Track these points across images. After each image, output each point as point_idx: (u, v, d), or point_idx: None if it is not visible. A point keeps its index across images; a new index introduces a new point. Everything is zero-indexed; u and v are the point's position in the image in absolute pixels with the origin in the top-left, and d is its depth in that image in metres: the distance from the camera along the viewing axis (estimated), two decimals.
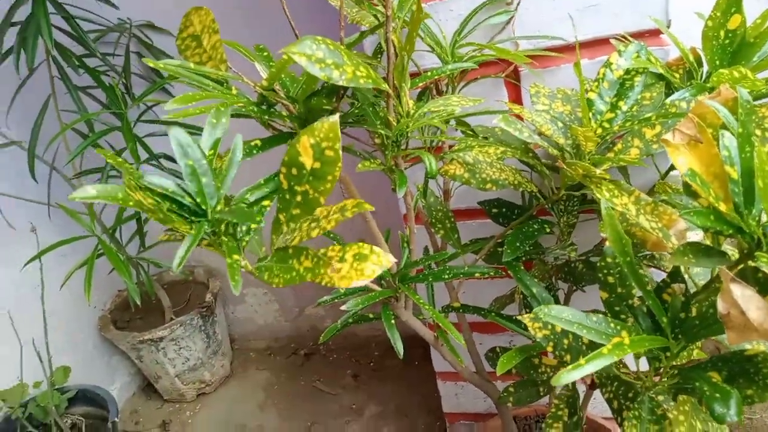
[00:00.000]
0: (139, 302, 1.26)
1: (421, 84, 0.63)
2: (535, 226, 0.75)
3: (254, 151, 0.55)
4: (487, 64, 0.86)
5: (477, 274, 0.72)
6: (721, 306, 0.45)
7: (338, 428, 1.51)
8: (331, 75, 0.49)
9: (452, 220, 0.80)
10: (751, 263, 0.49)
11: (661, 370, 0.57)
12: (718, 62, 0.69)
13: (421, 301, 0.67)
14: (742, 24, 0.67)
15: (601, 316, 0.54)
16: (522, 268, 0.74)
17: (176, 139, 0.44)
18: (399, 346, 0.70)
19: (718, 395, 0.49)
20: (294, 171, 0.49)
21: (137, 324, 1.60)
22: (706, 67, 0.72)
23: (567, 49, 0.83)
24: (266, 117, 0.57)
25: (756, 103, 0.71)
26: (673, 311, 0.55)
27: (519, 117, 0.78)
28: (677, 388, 0.60)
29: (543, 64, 0.84)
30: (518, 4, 0.81)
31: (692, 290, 0.57)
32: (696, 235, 0.60)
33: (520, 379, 0.77)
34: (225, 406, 1.66)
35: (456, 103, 0.62)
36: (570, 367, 0.46)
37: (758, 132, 0.57)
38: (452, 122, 0.81)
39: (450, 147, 0.81)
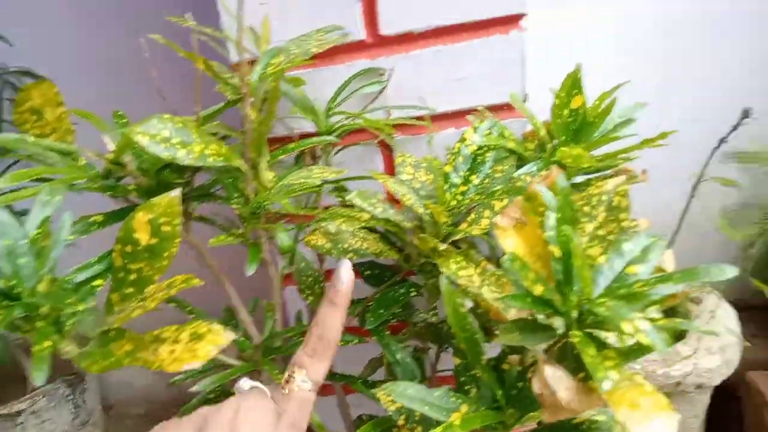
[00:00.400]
0: None
1: (283, 156, 0.63)
2: (401, 291, 0.77)
3: (92, 228, 0.53)
4: (362, 130, 0.88)
5: (342, 344, 0.72)
6: (535, 386, 0.47)
7: None
8: (176, 155, 0.49)
9: (322, 285, 0.80)
10: (570, 340, 0.52)
11: None
12: (564, 138, 0.75)
13: (277, 374, 0.66)
14: (583, 104, 0.74)
15: (443, 390, 0.55)
16: (387, 333, 0.75)
17: None
18: None
19: None
20: (128, 248, 0.47)
21: None
22: (557, 141, 0.78)
23: (437, 118, 0.87)
24: (113, 192, 0.55)
25: (593, 176, 0.78)
26: (509, 381, 0.57)
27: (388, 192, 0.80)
28: None
29: (414, 132, 0.88)
30: (390, 77, 0.84)
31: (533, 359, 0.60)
32: None
33: None
34: None
35: (317, 175, 0.63)
36: None
37: (587, 209, 0.61)
38: (328, 187, 0.82)
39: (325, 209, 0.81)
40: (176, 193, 0.47)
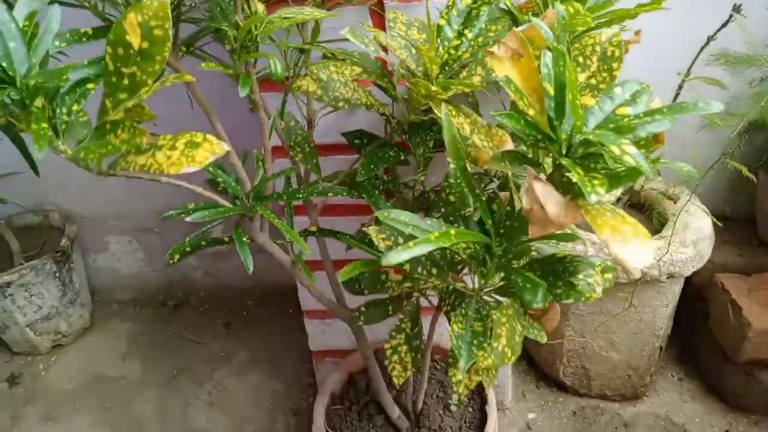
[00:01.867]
0: None
1: None
2: (391, 153, 0.78)
3: (83, 38, 0.52)
4: None
5: (332, 194, 0.73)
6: (524, 201, 0.49)
7: (206, 375, 1.48)
8: None
9: (311, 144, 0.80)
10: (559, 171, 0.54)
11: (487, 273, 0.62)
12: (559, 2, 0.75)
13: (272, 216, 0.67)
14: None
15: (435, 220, 0.57)
16: (377, 193, 0.77)
17: None
18: (249, 264, 0.69)
19: (528, 286, 0.54)
20: (120, 51, 0.46)
21: None
22: (550, 8, 0.77)
23: None
24: (97, 5, 0.53)
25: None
26: (498, 218, 0.59)
27: (381, 45, 0.79)
28: (502, 293, 0.66)
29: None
30: None
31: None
32: None
33: (369, 301, 0.80)
34: (83, 357, 1.57)
35: (308, 12, 0.62)
36: (399, 248, 0.48)
37: (580, 59, 0.62)
38: (316, 51, 0.81)
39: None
40: None
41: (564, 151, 0.52)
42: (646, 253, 0.49)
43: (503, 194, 0.60)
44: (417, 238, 0.48)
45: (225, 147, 0.48)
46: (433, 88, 0.61)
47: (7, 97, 0.41)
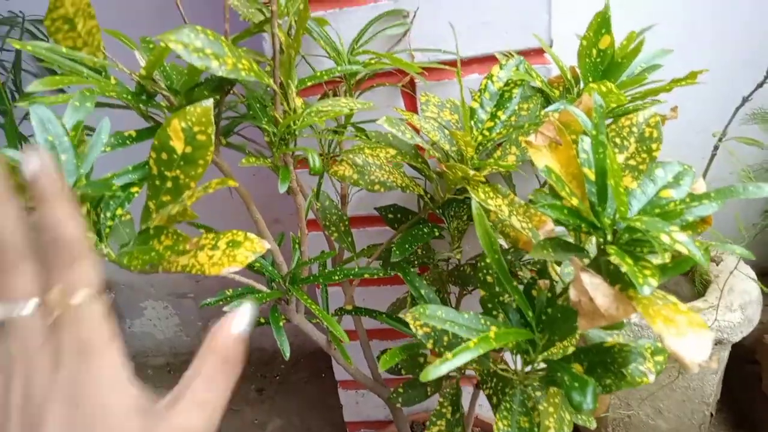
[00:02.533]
0: None
1: (310, 83, 0.63)
2: (425, 230, 0.77)
3: (128, 141, 0.54)
4: (385, 74, 0.88)
5: (367, 275, 0.73)
6: (572, 294, 0.48)
7: None
8: (210, 65, 0.49)
9: (346, 223, 0.81)
10: (605, 257, 0.52)
11: (532, 364, 0.60)
12: (591, 79, 0.75)
13: (309, 300, 0.67)
14: (611, 44, 0.73)
15: (472, 313, 0.56)
16: (412, 270, 0.76)
17: (36, 113, 0.42)
18: (285, 348, 0.69)
19: (576, 384, 0.52)
20: (164, 156, 0.48)
21: None
22: (582, 84, 0.77)
23: (461, 64, 0.87)
24: (142, 107, 0.55)
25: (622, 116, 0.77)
26: (539, 306, 0.58)
27: (412, 126, 0.81)
28: (547, 381, 0.63)
29: (437, 77, 0.88)
30: (414, 18, 0.84)
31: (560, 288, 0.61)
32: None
33: (408, 380, 0.79)
34: None
35: (345, 104, 0.63)
36: (437, 362, 0.47)
37: (617, 140, 0.61)
38: (351, 130, 0.82)
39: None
40: (209, 102, 0.47)
41: (609, 238, 0.51)
42: (703, 346, 0.47)
43: (543, 282, 0.59)
44: (455, 344, 0.47)
45: (266, 245, 0.48)
46: (471, 172, 0.61)
47: None
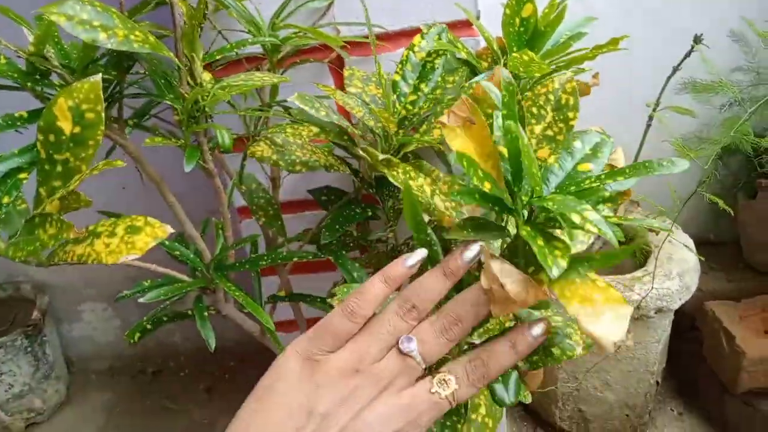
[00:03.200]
0: None
1: (219, 56, 0.60)
2: (357, 210, 0.75)
3: (18, 123, 0.50)
4: (311, 50, 0.85)
5: (297, 258, 0.70)
6: (483, 281, 0.46)
7: None
8: (97, 37, 0.46)
9: (275, 206, 0.78)
10: (521, 239, 0.51)
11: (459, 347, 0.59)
12: (515, 49, 0.74)
13: (232, 288, 0.64)
14: (534, 12, 0.72)
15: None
16: (343, 253, 0.74)
17: None
18: (211, 340, 0.66)
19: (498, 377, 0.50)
20: (52, 137, 0.44)
21: None
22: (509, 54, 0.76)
23: (387, 37, 0.85)
24: (35, 87, 0.51)
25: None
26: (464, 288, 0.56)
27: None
28: None
29: (364, 52, 0.85)
30: None
31: None
32: None
33: None
34: None
35: (259, 78, 0.60)
36: None
37: (534, 110, 0.59)
38: (278, 109, 0.79)
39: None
40: (96, 77, 0.44)
41: (524, 219, 0.49)
42: (620, 325, 0.45)
43: None
44: None
45: (168, 229, 0.45)
46: (380, 156, 0.59)
47: None
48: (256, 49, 0.79)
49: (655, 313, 1.11)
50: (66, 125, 0.44)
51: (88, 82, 0.44)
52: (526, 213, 0.49)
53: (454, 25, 0.84)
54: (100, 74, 0.44)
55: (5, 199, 0.44)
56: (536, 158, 0.50)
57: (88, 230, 0.45)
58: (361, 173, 0.76)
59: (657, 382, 1.27)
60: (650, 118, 1.18)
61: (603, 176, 0.51)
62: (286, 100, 0.77)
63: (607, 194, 0.51)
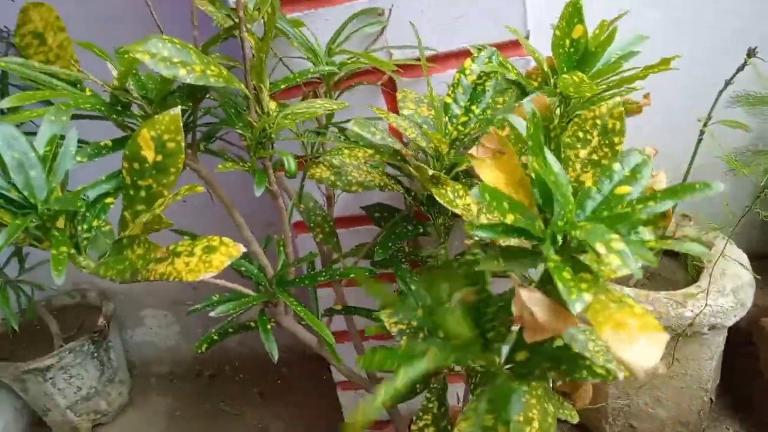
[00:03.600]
0: (16, 328, 1.18)
1: (284, 86, 0.64)
2: (409, 227, 0.78)
3: (104, 151, 0.54)
4: (365, 73, 0.88)
5: (353, 275, 0.73)
6: (514, 309, 0.47)
7: None
8: (178, 73, 0.50)
9: (331, 224, 0.81)
10: None
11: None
12: (566, 69, 0.75)
13: (294, 302, 0.68)
14: (584, 33, 0.73)
15: (409, 342, 0.56)
16: (403, 266, 0.76)
17: (0, 132, 0.43)
18: (274, 352, 0.70)
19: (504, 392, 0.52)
20: (136, 165, 0.48)
21: (21, 353, 1.50)
22: (559, 74, 0.78)
23: (437, 59, 0.87)
24: (118, 117, 0.56)
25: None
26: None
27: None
28: (526, 375, 0.63)
29: (415, 74, 0.88)
30: (389, 16, 0.84)
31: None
32: None
33: None
34: None
35: (320, 105, 0.64)
36: (388, 382, 0.47)
37: (580, 134, 0.59)
38: (334, 131, 0.83)
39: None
40: (176, 110, 0.48)
41: (554, 248, 0.49)
42: (653, 351, 0.44)
43: (464, 292, 0.58)
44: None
45: (241, 249, 0.49)
46: (430, 172, 0.61)
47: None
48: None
49: (709, 329, 1.08)
50: (149, 154, 0.48)
51: (169, 115, 0.48)
52: (560, 239, 0.49)
53: (503, 46, 0.86)
54: (179, 107, 0.49)
55: (95, 222, 0.49)
56: (569, 183, 0.50)
57: (169, 250, 0.49)
58: (413, 191, 0.78)
59: (711, 399, 1.24)
60: (701, 132, 1.16)
61: (635, 201, 0.51)
62: (342, 122, 0.81)
63: (644, 218, 0.51)
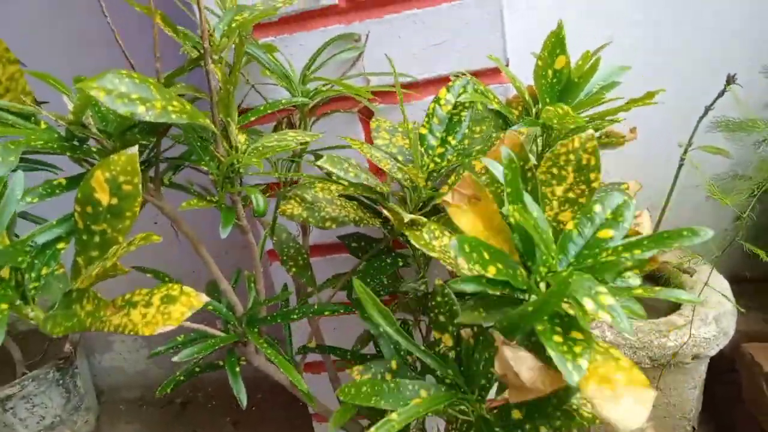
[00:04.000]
0: None
1: (253, 118, 0.61)
2: (389, 261, 0.75)
3: (57, 191, 0.51)
4: (341, 98, 0.86)
5: (328, 313, 0.70)
6: (497, 367, 0.44)
7: None
8: (136, 111, 0.46)
9: (305, 256, 0.78)
10: None
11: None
12: (548, 99, 0.73)
13: (264, 345, 0.64)
14: (567, 64, 0.72)
15: (398, 381, 0.53)
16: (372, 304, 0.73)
17: None
18: (242, 396, 0.66)
19: None
20: (89, 209, 0.45)
21: None
22: (540, 105, 0.76)
23: (415, 86, 0.85)
24: (73, 154, 0.52)
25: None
26: (465, 360, 0.55)
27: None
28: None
29: (392, 100, 0.86)
30: (366, 42, 0.82)
31: None
32: None
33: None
34: None
35: (292, 138, 0.61)
36: None
37: (554, 171, 0.57)
38: (309, 157, 0.80)
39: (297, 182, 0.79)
40: (133, 150, 0.45)
41: (538, 296, 0.47)
42: (641, 411, 0.41)
43: (465, 331, 0.56)
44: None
45: (203, 299, 0.45)
46: (407, 218, 0.58)
47: None
48: (287, 97, 0.80)
49: (692, 359, 1.07)
50: (103, 197, 0.45)
51: (125, 155, 0.45)
52: (543, 287, 0.47)
53: (483, 73, 0.84)
54: (137, 146, 0.45)
55: (44, 270, 0.45)
56: (549, 229, 0.47)
57: (124, 299, 0.45)
58: (390, 223, 0.75)
59: (693, 428, 1.23)
60: (682, 158, 1.15)
61: (621, 248, 0.48)
62: (316, 150, 0.78)
63: (629, 264, 0.48)
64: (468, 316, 0.46)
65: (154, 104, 0.47)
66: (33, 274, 0.45)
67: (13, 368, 1.42)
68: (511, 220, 0.45)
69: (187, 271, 1.25)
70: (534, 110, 0.77)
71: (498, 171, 0.45)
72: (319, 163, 0.58)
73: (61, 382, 1.45)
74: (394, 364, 0.61)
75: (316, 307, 0.69)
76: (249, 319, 0.67)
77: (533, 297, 0.46)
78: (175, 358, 0.59)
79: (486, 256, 0.43)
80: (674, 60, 1.28)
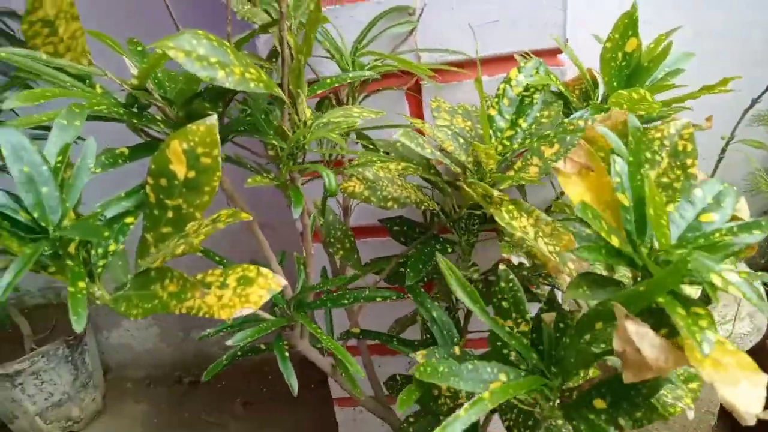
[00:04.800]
0: None
1: (320, 91, 0.57)
2: (438, 247, 0.72)
3: (119, 161, 0.47)
4: (388, 75, 0.82)
5: (379, 299, 0.67)
6: (616, 343, 0.42)
7: None
8: (216, 75, 0.42)
9: (352, 240, 0.75)
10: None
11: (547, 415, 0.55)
12: (615, 83, 0.70)
13: (319, 331, 0.61)
14: (638, 47, 0.68)
15: (476, 362, 0.51)
16: (423, 291, 0.71)
17: (6, 140, 0.35)
18: (293, 382, 0.63)
19: None
20: (163, 182, 0.41)
21: None
22: (602, 89, 0.72)
23: (468, 64, 0.81)
24: (136, 121, 0.48)
25: (648, 125, 0.72)
26: (548, 344, 0.53)
27: (420, 131, 0.75)
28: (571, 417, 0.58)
29: (444, 78, 0.82)
30: (420, 15, 0.78)
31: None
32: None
33: (420, 408, 0.73)
34: None
35: (357, 114, 0.57)
36: (451, 417, 0.42)
37: (648, 155, 0.56)
38: (352, 135, 0.76)
39: (350, 161, 0.76)
40: (213, 119, 0.41)
41: (651, 273, 0.46)
42: (758, 392, 0.41)
43: (547, 315, 0.53)
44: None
45: (282, 281, 0.42)
46: (496, 193, 0.55)
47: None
48: (336, 69, 0.76)
49: None
50: (180, 169, 0.41)
51: (204, 125, 0.41)
52: (653, 268, 0.46)
53: (539, 54, 0.80)
54: (215, 115, 0.42)
55: (112, 247, 0.42)
56: (664, 209, 0.46)
57: (196, 280, 0.42)
58: (443, 208, 0.72)
59: (716, 421, 1.22)
60: (723, 150, 1.13)
61: (736, 228, 0.48)
62: (366, 129, 0.74)
63: (738, 247, 0.47)
64: (572, 292, 0.45)
65: (233, 70, 0.43)
66: (100, 251, 0.41)
67: (21, 343, 1.39)
68: (627, 191, 0.43)
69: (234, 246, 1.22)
70: (596, 94, 0.74)
71: (617, 143, 0.43)
72: (395, 136, 0.55)
73: (70, 358, 1.41)
74: (457, 350, 0.59)
75: (367, 292, 0.66)
76: (298, 303, 0.64)
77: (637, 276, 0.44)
78: (230, 342, 0.56)
79: (606, 227, 0.42)
80: (722, 52, 1.25)
